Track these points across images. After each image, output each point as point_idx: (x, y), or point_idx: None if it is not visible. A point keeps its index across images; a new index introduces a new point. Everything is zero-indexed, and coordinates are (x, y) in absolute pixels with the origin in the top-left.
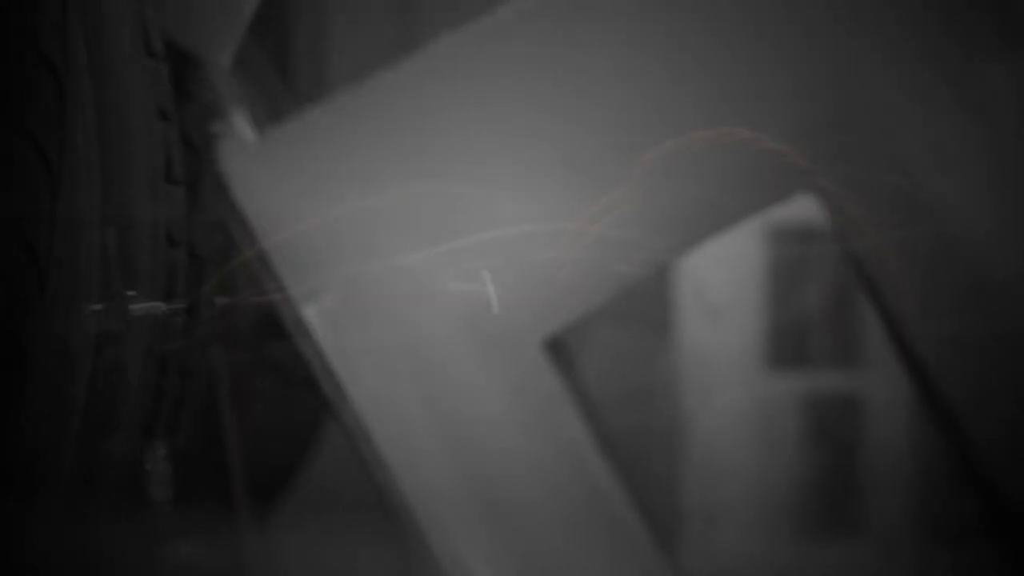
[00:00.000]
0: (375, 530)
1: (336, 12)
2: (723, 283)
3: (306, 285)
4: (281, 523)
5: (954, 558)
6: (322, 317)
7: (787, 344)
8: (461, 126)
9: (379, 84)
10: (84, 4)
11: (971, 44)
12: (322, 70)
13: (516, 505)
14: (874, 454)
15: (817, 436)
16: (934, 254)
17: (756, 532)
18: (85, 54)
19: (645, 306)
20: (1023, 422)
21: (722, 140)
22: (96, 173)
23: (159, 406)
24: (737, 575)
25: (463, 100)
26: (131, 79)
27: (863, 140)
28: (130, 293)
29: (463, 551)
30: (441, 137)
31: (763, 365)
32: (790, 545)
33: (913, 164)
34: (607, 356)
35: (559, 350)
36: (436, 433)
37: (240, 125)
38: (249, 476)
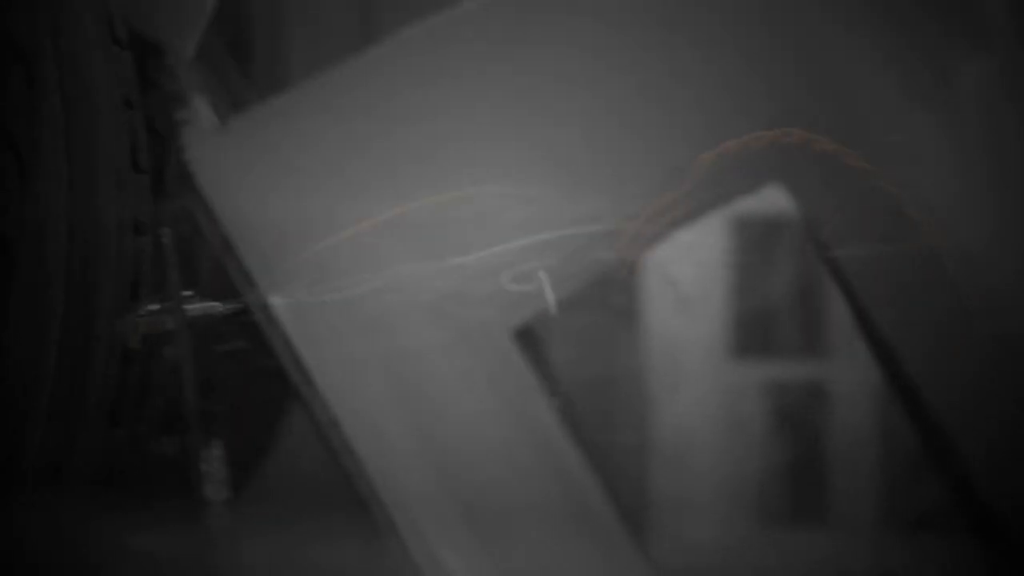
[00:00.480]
0: (344, 520)
1: (297, 1)
2: (691, 272)
3: (272, 273)
4: (250, 515)
5: (921, 544)
6: (289, 306)
7: (755, 333)
8: (424, 115)
9: (342, 73)
10: None
11: (946, 41)
12: (284, 59)
13: (487, 494)
14: (841, 441)
15: (785, 424)
16: (901, 243)
17: (724, 519)
18: (51, 41)
19: (613, 295)
20: (991, 409)
21: (777, 140)
22: (63, 161)
23: (208, 405)
24: (707, 561)
25: (425, 90)
26: (96, 67)
27: (835, 133)
28: (187, 293)
29: (433, 540)
30: (403, 126)
31: (731, 353)
32: (758, 531)
33: (884, 157)
34: (575, 345)
35: (529, 340)
36: (406, 423)
37: (204, 114)
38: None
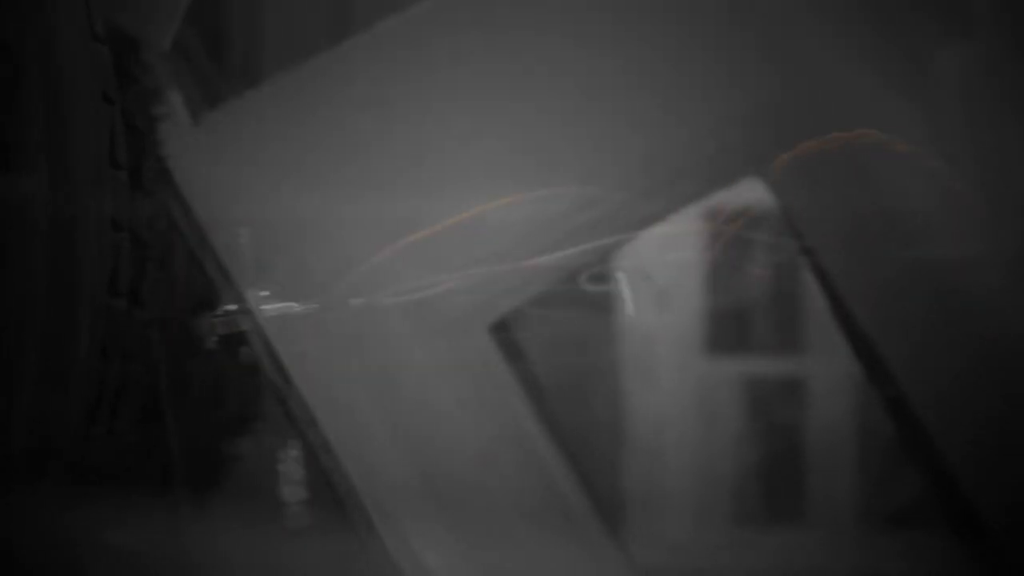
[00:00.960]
0: (320, 516)
1: None
2: (668, 267)
3: (249, 269)
4: (224, 512)
5: (899, 540)
6: (265, 301)
7: (732, 328)
8: (400, 109)
9: (319, 67)
10: None
11: (926, 29)
12: (259, 53)
13: (463, 489)
14: (818, 437)
15: (761, 419)
16: (882, 239)
17: (700, 515)
18: (31, 36)
19: (589, 289)
20: (970, 405)
21: (857, 141)
22: (42, 156)
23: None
24: (684, 556)
25: (402, 82)
26: (76, 62)
27: (812, 125)
28: (263, 293)
29: (410, 535)
30: (383, 120)
31: (707, 348)
32: (734, 528)
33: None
34: (551, 340)
35: (505, 334)
36: (383, 419)
37: (180, 109)
38: (189, 463)
